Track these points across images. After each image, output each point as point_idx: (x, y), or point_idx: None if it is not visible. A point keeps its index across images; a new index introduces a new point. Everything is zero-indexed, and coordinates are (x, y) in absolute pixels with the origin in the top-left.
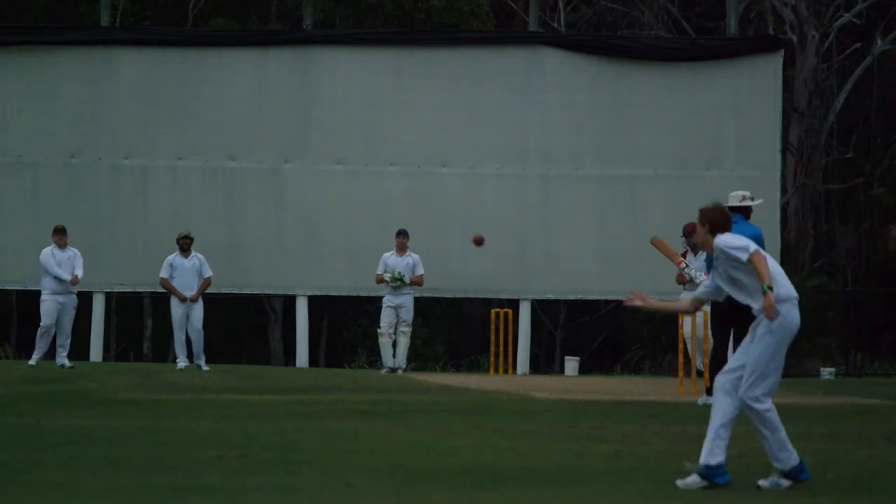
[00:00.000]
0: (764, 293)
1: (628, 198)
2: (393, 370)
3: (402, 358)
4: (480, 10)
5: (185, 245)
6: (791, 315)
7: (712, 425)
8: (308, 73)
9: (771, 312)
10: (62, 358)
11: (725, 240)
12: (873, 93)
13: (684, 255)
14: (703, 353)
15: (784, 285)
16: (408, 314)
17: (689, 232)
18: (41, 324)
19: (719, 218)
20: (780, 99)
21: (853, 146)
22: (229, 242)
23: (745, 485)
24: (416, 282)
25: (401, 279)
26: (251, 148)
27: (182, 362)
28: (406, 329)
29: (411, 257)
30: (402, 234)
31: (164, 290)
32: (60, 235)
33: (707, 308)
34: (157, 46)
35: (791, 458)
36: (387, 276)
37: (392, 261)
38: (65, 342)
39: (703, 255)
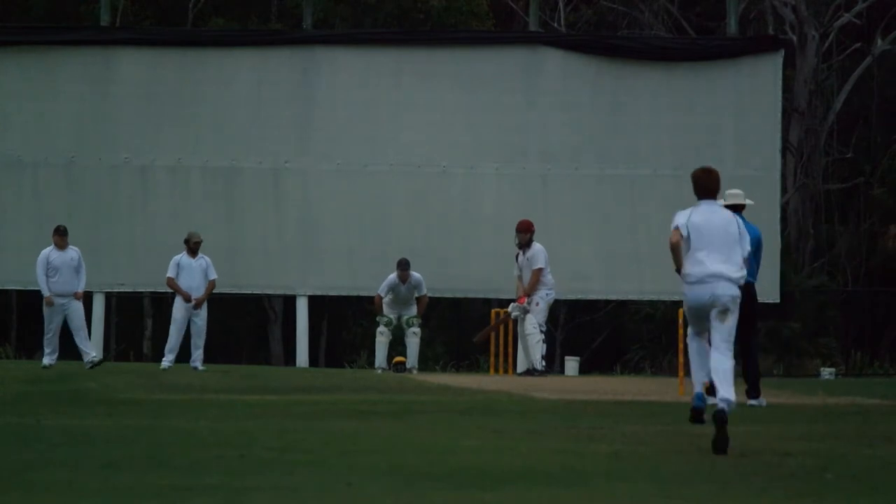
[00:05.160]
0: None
1: (628, 198)
2: (386, 370)
3: (413, 358)
4: (480, 10)
5: (195, 248)
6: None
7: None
8: (308, 73)
9: None
10: (90, 358)
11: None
12: (873, 93)
13: (516, 258)
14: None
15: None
16: (413, 323)
17: (523, 229)
18: (45, 328)
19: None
20: (780, 99)
21: (853, 146)
22: (229, 242)
23: (746, 485)
24: (420, 308)
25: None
26: (251, 148)
27: (167, 362)
28: (416, 330)
29: (412, 281)
30: (404, 267)
31: (164, 291)
32: (61, 237)
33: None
34: (157, 46)
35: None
36: (383, 321)
37: (398, 289)
38: (81, 340)
39: (530, 253)
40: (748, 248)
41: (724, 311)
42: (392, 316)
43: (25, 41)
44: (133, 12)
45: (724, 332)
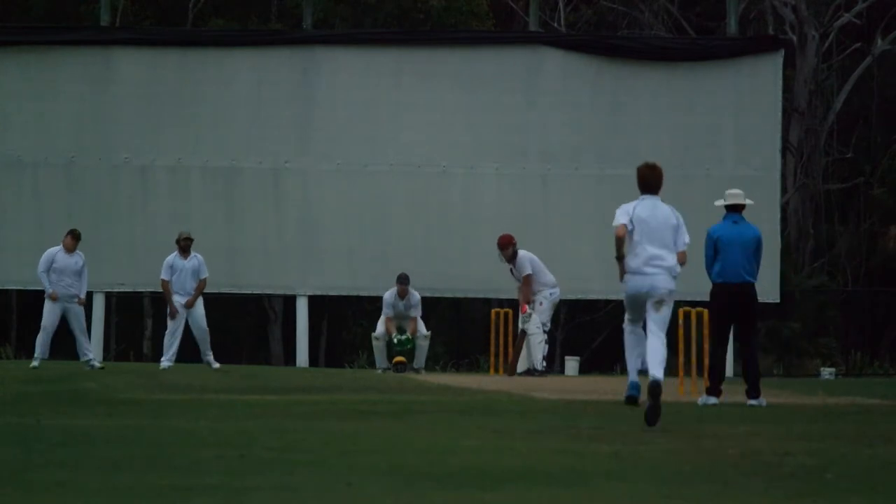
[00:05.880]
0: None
1: (628, 198)
2: (388, 370)
3: (421, 359)
4: (480, 10)
5: (185, 246)
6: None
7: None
8: (308, 73)
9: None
10: (91, 361)
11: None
12: (873, 93)
13: (511, 272)
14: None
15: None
16: (419, 326)
17: (503, 245)
18: (41, 324)
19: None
20: (780, 99)
21: (853, 146)
22: (229, 242)
23: (746, 485)
24: (410, 329)
25: (404, 344)
26: (251, 148)
27: (166, 362)
28: (426, 333)
29: (411, 300)
30: (403, 282)
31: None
32: (73, 239)
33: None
34: (157, 46)
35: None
36: (394, 339)
37: (398, 305)
38: (83, 343)
39: (517, 263)
40: (686, 240)
41: (660, 302)
42: (393, 333)
43: (25, 41)
44: (133, 12)
45: (659, 321)
